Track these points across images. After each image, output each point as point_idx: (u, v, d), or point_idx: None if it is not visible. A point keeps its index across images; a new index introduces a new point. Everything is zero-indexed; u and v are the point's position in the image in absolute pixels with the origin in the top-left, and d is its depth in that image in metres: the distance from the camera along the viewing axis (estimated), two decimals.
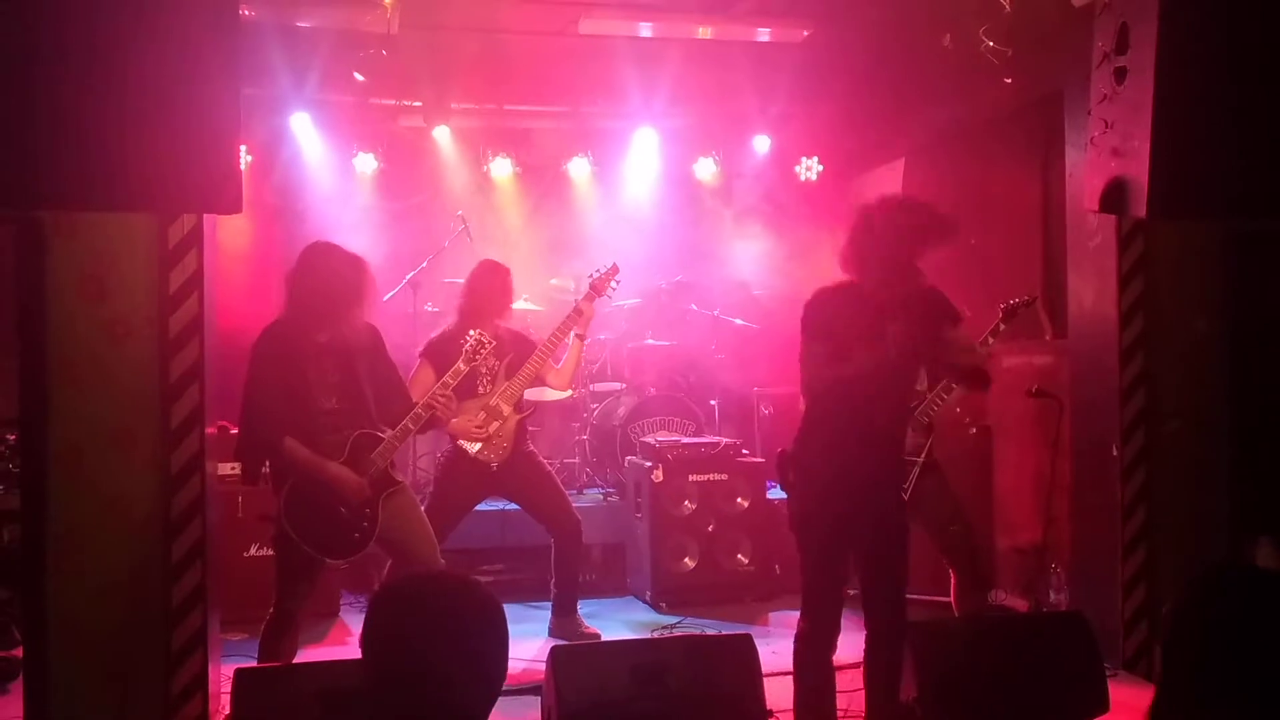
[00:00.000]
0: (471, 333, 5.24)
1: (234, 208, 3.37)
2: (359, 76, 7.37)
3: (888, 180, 8.70)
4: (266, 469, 4.77)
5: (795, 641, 4.41)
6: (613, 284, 6.34)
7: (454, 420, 5.94)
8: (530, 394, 6.35)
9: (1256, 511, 5.63)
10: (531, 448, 6.30)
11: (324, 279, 4.72)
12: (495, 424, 5.99)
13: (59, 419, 4.65)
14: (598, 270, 6.33)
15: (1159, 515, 5.67)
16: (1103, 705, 4.40)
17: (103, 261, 4.72)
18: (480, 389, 6.04)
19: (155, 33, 3.19)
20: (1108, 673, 4.55)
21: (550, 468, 6.46)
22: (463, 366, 5.17)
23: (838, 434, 4.22)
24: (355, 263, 4.81)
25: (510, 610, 7.34)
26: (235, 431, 4.86)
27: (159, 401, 4.78)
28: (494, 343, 5.32)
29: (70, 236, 4.66)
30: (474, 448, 5.98)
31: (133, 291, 4.76)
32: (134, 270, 4.76)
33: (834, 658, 4.38)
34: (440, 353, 5.78)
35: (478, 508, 6.34)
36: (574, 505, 6.40)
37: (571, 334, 6.12)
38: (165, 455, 4.78)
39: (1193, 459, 5.71)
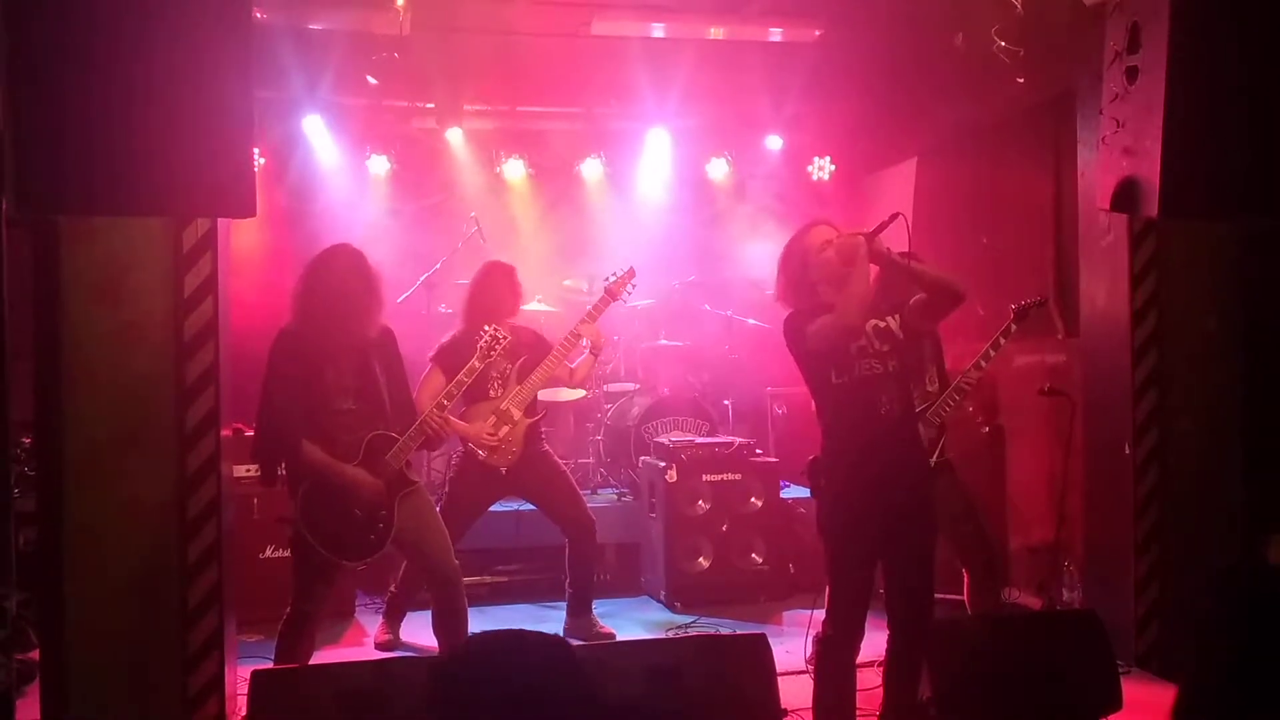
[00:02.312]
0: (486, 328, 5.23)
1: (247, 211, 3.39)
2: (372, 80, 7.40)
3: (900, 180, 8.71)
4: (283, 470, 4.79)
5: (818, 644, 4.38)
6: (629, 287, 6.25)
7: (465, 425, 5.95)
8: (544, 395, 6.36)
9: (1269, 509, 5.62)
10: (546, 448, 6.29)
11: (338, 283, 4.74)
12: (505, 428, 5.99)
13: (74, 423, 4.67)
14: (614, 274, 6.24)
15: (1172, 514, 5.66)
16: (1116, 703, 4.40)
17: (117, 266, 4.73)
18: (492, 392, 6.04)
19: (167, 36, 3.22)
20: (1121, 670, 4.54)
21: (565, 467, 6.46)
22: (477, 364, 5.16)
23: (854, 436, 4.22)
24: (367, 269, 4.83)
25: (525, 610, 7.35)
26: (251, 433, 4.88)
27: (174, 404, 4.79)
28: (509, 338, 5.30)
29: (85, 241, 4.68)
30: (482, 452, 5.99)
31: (147, 295, 4.77)
32: (149, 274, 4.77)
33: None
34: (450, 357, 5.78)
35: (493, 508, 6.34)
36: (589, 505, 6.41)
37: (585, 344, 6.08)
38: (181, 457, 4.79)
39: (1205, 457, 5.70)
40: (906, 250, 4.27)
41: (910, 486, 4.29)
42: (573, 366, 6.11)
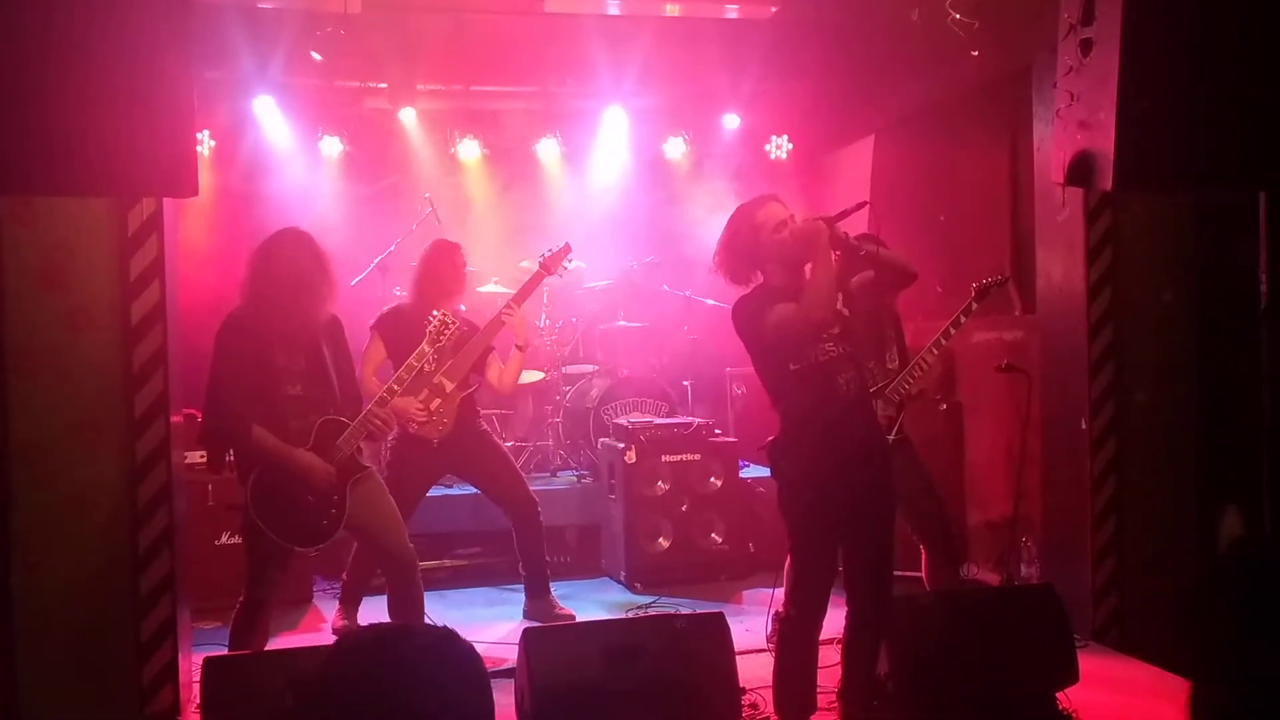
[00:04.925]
0: (435, 313, 5.15)
1: (190, 191, 3.32)
2: (316, 56, 7.30)
3: (858, 158, 8.70)
4: (231, 457, 4.72)
5: (781, 624, 4.36)
6: (565, 263, 6.27)
7: (396, 399, 5.87)
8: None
9: (1223, 481, 5.66)
10: (485, 428, 6.22)
11: (287, 267, 4.65)
12: (437, 400, 5.91)
13: (19, 411, 4.58)
14: (549, 249, 6.28)
15: (1128, 487, 5.69)
16: (1072, 676, 4.42)
17: (61, 249, 4.64)
18: (425, 366, 5.97)
19: (106, 13, 3.14)
20: (1078, 644, 4.57)
21: (507, 449, 6.40)
22: (427, 348, 5.09)
23: (814, 417, 4.17)
24: (317, 252, 4.75)
25: (485, 594, 7.29)
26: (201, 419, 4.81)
27: (122, 390, 4.72)
28: (457, 323, 5.23)
29: (27, 224, 4.57)
30: (412, 426, 5.91)
31: (92, 279, 4.69)
32: (93, 258, 4.69)
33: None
34: (392, 328, 5.73)
35: (450, 491, 6.28)
36: (537, 487, 6.36)
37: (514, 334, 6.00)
38: (130, 444, 4.73)
39: (1161, 431, 5.73)
40: (867, 232, 4.23)
41: (870, 465, 4.26)
42: (502, 367, 6.05)
